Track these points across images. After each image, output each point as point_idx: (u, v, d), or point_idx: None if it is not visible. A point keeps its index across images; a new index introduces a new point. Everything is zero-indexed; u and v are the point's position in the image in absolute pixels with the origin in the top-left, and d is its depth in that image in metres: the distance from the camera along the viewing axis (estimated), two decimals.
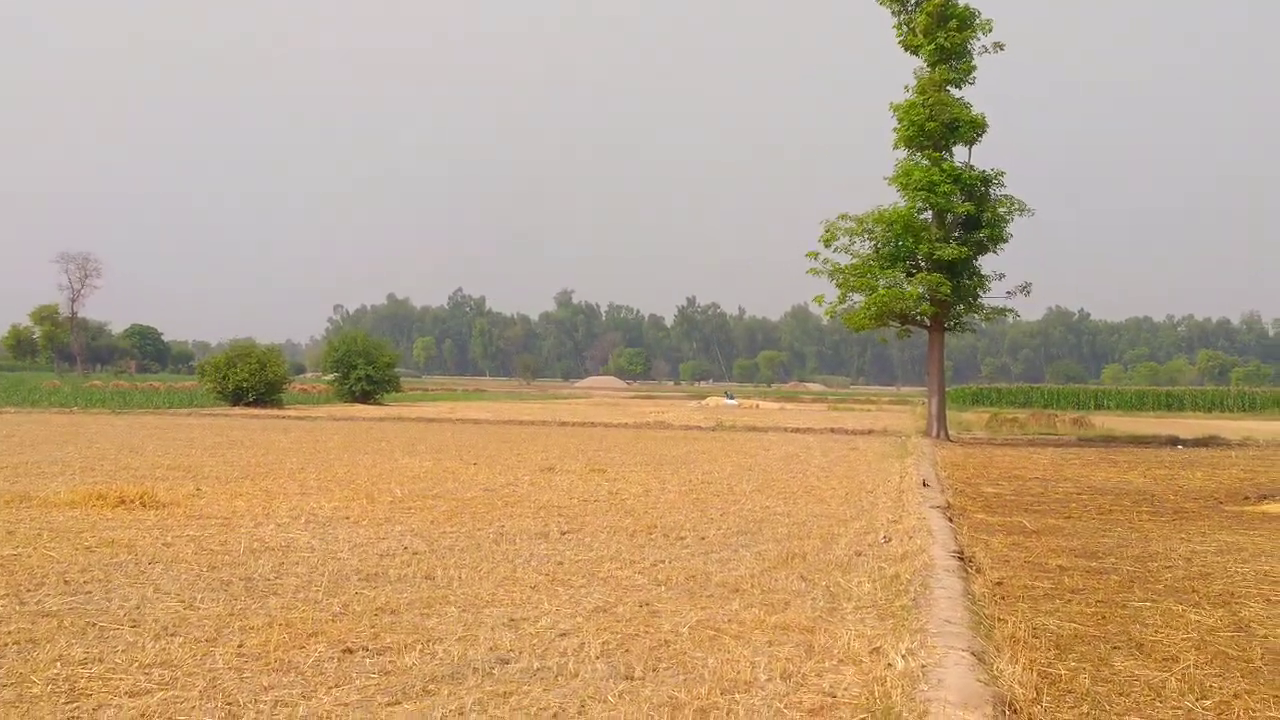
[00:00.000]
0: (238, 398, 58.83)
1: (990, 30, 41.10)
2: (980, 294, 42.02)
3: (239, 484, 19.01)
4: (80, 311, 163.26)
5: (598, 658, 7.72)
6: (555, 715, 6.54)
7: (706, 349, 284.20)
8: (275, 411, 54.18)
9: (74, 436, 31.54)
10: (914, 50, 41.74)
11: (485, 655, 7.76)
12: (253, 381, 58.95)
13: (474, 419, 48.42)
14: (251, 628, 8.45)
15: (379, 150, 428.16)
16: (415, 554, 11.90)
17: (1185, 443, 43.11)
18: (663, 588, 10.29)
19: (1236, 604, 10.56)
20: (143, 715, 6.44)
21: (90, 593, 9.69)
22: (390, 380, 71.16)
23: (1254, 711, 7.13)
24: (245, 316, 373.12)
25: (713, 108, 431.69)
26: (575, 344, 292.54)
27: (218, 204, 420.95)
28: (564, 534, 13.67)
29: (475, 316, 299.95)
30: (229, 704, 6.64)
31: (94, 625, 8.48)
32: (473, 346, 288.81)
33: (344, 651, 7.81)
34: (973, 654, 7.74)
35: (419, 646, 7.95)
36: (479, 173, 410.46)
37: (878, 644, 8.01)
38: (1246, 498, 21.35)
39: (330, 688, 7.00)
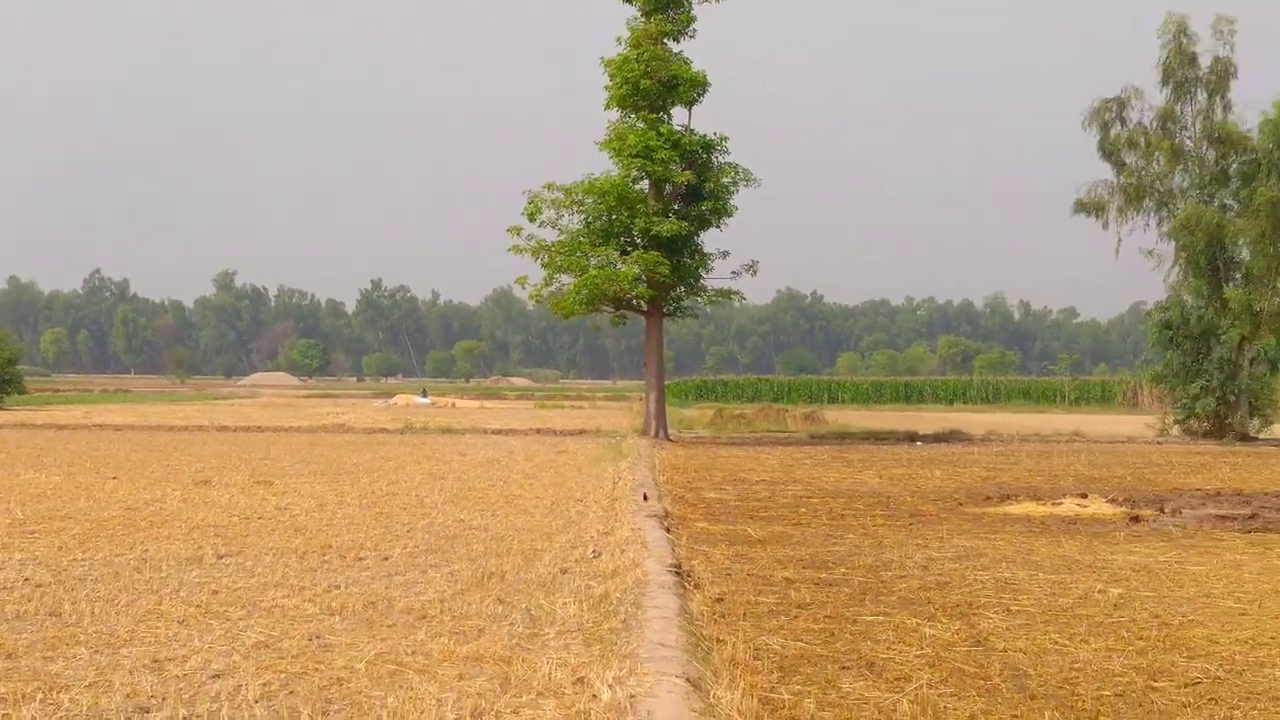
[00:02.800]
0: None
1: None
2: (703, 274, 42.91)
3: None
4: None
5: (257, 701, 7.58)
6: None
7: (395, 339, 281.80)
8: None
9: None
10: None
11: (122, 704, 7.53)
12: None
13: (115, 424, 46.82)
14: None
15: None
16: (38, 586, 11.45)
17: (924, 439, 45.16)
18: (337, 617, 10.18)
19: (975, 615, 11.10)
20: None
21: None
22: (12, 380, 68.47)
23: None
24: None
25: (412, 45, 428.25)
26: (239, 335, 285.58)
27: None
28: (221, 558, 13.37)
29: (117, 303, 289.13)
30: None
31: None
32: (114, 339, 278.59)
33: None
34: (688, 680, 7.90)
35: (40, 696, 7.64)
36: (114, 119, 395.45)
37: (582, 673, 8.10)
38: (987, 498, 22.48)
39: None
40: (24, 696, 7.62)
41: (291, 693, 7.82)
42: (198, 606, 10.53)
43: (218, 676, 8.20)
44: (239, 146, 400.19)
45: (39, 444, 34.69)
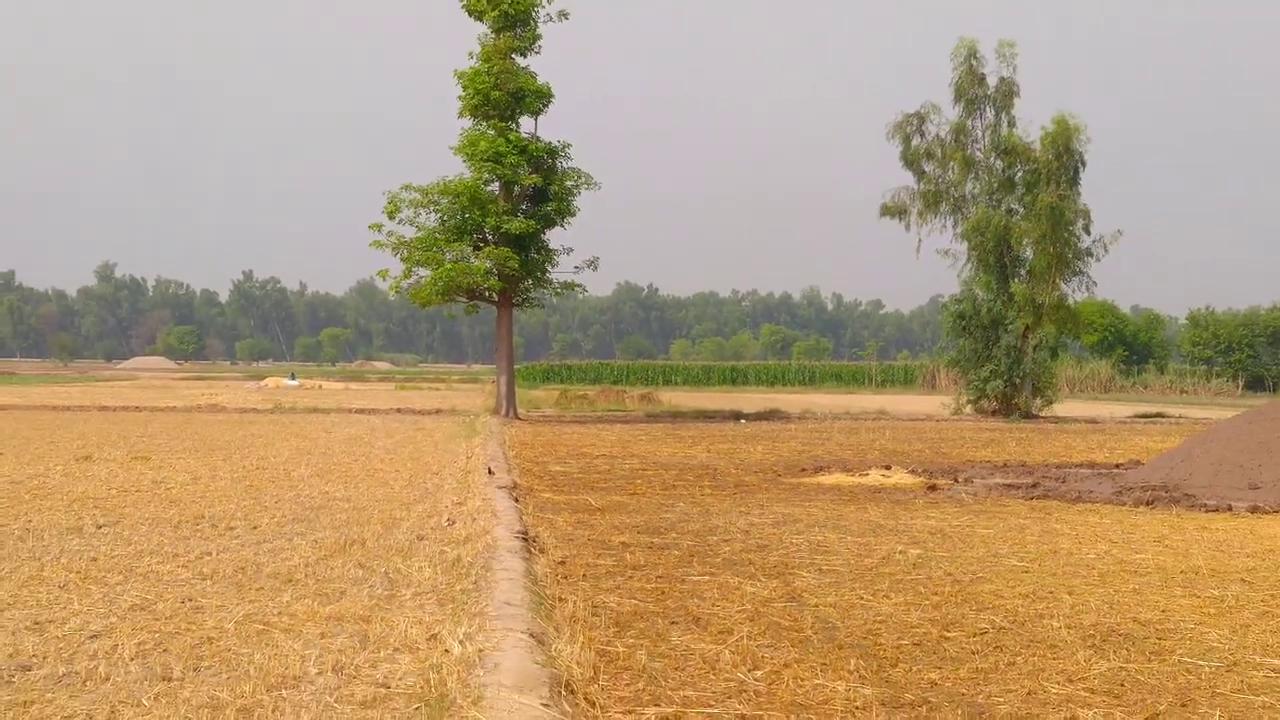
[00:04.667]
0: None
1: None
2: (549, 268, 43.06)
3: None
4: None
5: (132, 659, 7.42)
6: None
7: (265, 327, 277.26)
8: None
9: None
10: (478, 16, 42.12)
11: (5, 662, 7.33)
12: None
13: (1, 404, 45.43)
14: None
15: None
16: None
17: (748, 417, 45.55)
18: (208, 581, 9.99)
19: (790, 575, 11.24)
20: None
21: None
22: None
23: (801, 680, 7.61)
24: None
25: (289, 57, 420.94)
26: (119, 321, 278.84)
27: None
28: (100, 528, 13.04)
29: (3, 292, 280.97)
30: None
31: None
32: (1, 326, 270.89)
33: None
34: (532, 635, 7.92)
35: None
36: None
37: (435, 630, 8.06)
38: (803, 470, 22.76)
39: None
40: None
41: (165, 651, 7.67)
42: (77, 573, 10.27)
43: (96, 636, 8.01)
44: (115, 144, 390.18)
45: None
